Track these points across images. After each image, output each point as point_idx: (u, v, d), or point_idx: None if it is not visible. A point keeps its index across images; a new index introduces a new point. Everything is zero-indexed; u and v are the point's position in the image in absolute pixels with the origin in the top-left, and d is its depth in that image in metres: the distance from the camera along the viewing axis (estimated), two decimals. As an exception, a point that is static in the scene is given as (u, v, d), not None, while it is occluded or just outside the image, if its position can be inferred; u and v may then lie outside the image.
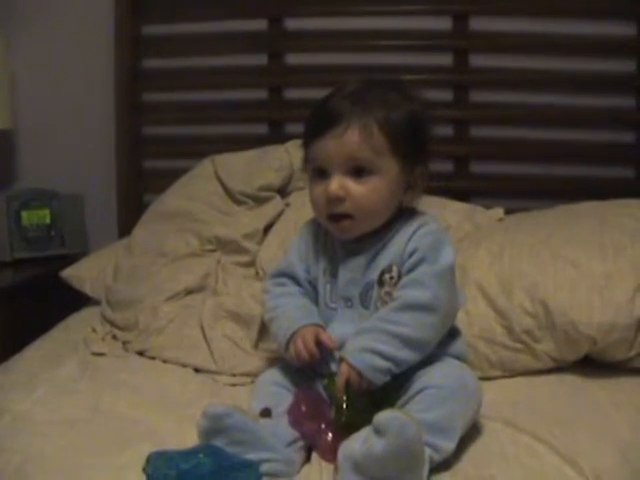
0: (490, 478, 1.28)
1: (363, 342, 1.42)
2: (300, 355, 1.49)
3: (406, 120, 1.51)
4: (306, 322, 1.53)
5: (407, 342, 1.41)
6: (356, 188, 1.48)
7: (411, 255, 1.49)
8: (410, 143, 1.51)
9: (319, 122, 1.52)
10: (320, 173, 1.52)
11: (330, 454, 1.34)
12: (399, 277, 1.50)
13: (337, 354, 1.47)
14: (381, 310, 1.48)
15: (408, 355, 1.41)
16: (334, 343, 1.49)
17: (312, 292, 1.61)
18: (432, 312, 1.44)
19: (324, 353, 1.50)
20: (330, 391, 1.44)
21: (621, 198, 2.11)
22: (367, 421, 1.27)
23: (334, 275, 1.57)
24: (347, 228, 1.52)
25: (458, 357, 1.52)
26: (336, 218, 1.52)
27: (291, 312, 1.57)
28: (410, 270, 1.48)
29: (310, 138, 1.54)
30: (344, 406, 1.38)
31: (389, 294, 1.49)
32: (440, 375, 1.41)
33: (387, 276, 1.51)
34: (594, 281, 1.76)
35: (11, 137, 2.88)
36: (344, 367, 1.41)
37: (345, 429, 1.35)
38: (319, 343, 1.49)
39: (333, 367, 1.49)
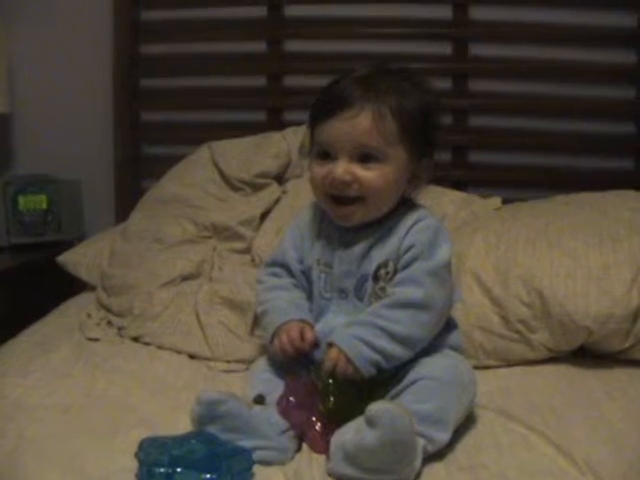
0: (483, 467, 1.29)
1: (354, 331, 1.42)
2: (284, 349, 1.49)
3: (418, 110, 1.49)
4: (293, 317, 1.52)
5: (398, 339, 1.40)
6: (363, 173, 1.46)
7: (407, 251, 1.48)
8: (420, 134, 1.50)
9: (329, 104, 1.49)
10: (324, 155, 1.50)
11: (319, 445, 1.34)
12: (394, 272, 1.48)
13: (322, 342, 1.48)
14: (374, 305, 1.47)
15: (399, 351, 1.40)
16: (312, 345, 1.49)
17: (305, 283, 1.61)
18: (425, 310, 1.43)
19: (308, 349, 1.50)
20: (317, 378, 1.42)
21: (620, 189, 2.10)
22: (355, 412, 1.28)
23: (329, 266, 1.55)
24: (353, 212, 1.50)
25: (454, 348, 1.52)
26: (343, 201, 1.50)
27: (280, 306, 1.56)
28: (405, 266, 1.47)
29: (318, 119, 1.51)
30: (329, 392, 1.38)
31: (383, 289, 1.48)
32: (435, 366, 1.41)
33: (383, 271, 1.50)
34: (591, 272, 1.76)
35: (8, 122, 2.87)
36: (333, 352, 1.40)
37: (333, 419, 1.35)
38: (305, 339, 1.49)
39: (315, 355, 1.49)
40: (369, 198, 1.48)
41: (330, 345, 1.42)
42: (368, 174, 1.46)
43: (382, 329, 1.40)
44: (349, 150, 1.46)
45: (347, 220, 1.52)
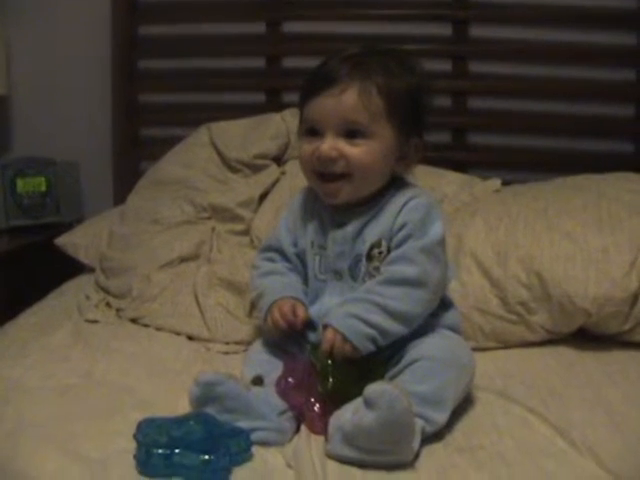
0: (481, 449, 1.29)
1: (348, 309, 1.42)
2: (277, 324, 1.50)
3: (405, 89, 1.49)
4: (285, 294, 1.53)
5: (393, 314, 1.40)
6: (350, 149, 1.46)
7: (400, 229, 1.48)
8: (407, 113, 1.50)
9: (317, 81, 1.50)
10: (312, 132, 1.50)
11: (317, 426, 1.33)
12: (388, 252, 1.48)
13: (319, 323, 1.48)
14: (368, 283, 1.47)
15: (394, 327, 1.40)
16: (304, 323, 1.50)
17: (300, 266, 1.61)
18: (420, 287, 1.43)
19: (300, 326, 1.50)
20: (315, 359, 1.42)
21: (619, 172, 2.09)
22: (354, 393, 1.28)
23: (323, 247, 1.55)
24: (339, 189, 1.49)
25: (452, 328, 1.52)
26: (330, 178, 1.50)
27: (274, 287, 1.57)
28: (398, 245, 1.47)
29: (306, 97, 1.51)
30: (328, 374, 1.37)
31: (377, 269, 1.48)
32: (433, 347, 1.40)
33: (376, 251, 1.49)
34: (590, 254, 1.76)
35: (6, 104, 2.86)
36: (329, 332, 1.40)
37: (332, 400, 1.34)
38: (297, 316, 1.50)
39: (312, 337, 1.50)
40: (355, 174, 1.48)
41: (325, 326, 1.42)
42: (354, 150, 1.46)
43: (376, 304, 1.40)
44: (335, 126, 1.46)
45: (334, 197, 1.52)
